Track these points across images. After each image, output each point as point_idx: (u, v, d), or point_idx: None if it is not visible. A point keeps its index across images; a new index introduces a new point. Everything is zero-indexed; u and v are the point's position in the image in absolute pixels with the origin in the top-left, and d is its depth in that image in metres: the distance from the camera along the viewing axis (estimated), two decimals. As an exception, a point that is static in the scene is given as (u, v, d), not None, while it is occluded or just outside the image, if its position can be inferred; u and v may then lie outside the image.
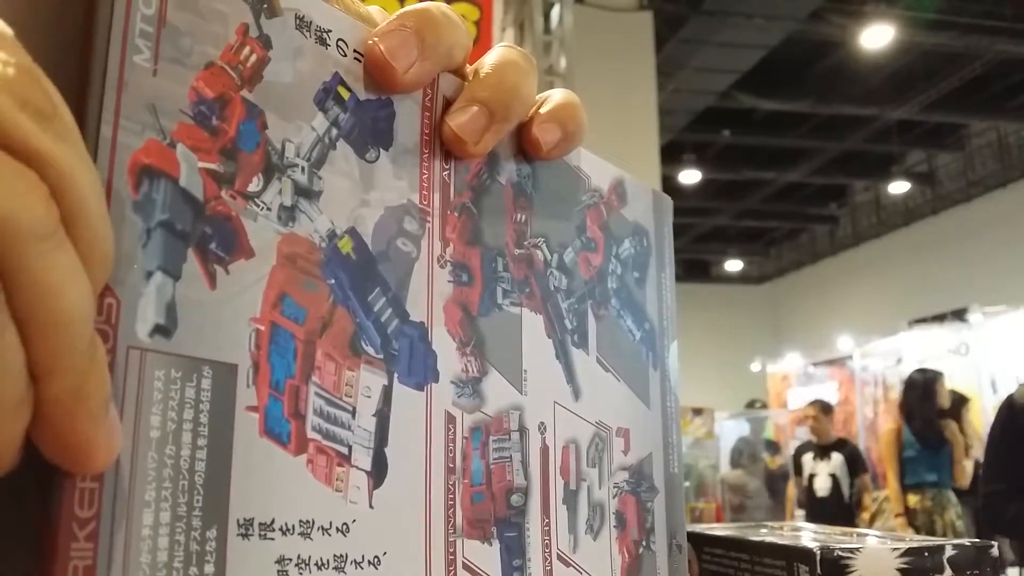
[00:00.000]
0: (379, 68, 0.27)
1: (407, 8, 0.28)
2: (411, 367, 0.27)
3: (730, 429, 5.79)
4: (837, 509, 4.19)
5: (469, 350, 0.29)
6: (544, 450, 0.32)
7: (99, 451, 0.17)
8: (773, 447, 5.82)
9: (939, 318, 7.02)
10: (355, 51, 0.27)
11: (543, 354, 0.32)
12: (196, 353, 0.21)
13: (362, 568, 0.24)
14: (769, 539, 0.43)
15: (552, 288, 0.33)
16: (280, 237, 0.24)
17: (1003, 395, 2.21)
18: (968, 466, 3.78)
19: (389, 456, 0.26)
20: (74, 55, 0.20)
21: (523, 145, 0.32)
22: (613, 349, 0.36)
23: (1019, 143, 9.04)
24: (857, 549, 0.38)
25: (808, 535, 0.46)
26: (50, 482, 0.18)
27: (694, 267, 12.94)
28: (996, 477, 2.05)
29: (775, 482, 5.37)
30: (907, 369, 5.13)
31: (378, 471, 0.25)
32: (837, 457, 4.34)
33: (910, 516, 3.71)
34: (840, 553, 0.38)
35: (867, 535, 0.45)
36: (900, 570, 0.38)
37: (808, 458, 4.46)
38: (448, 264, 0.29)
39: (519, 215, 0.32)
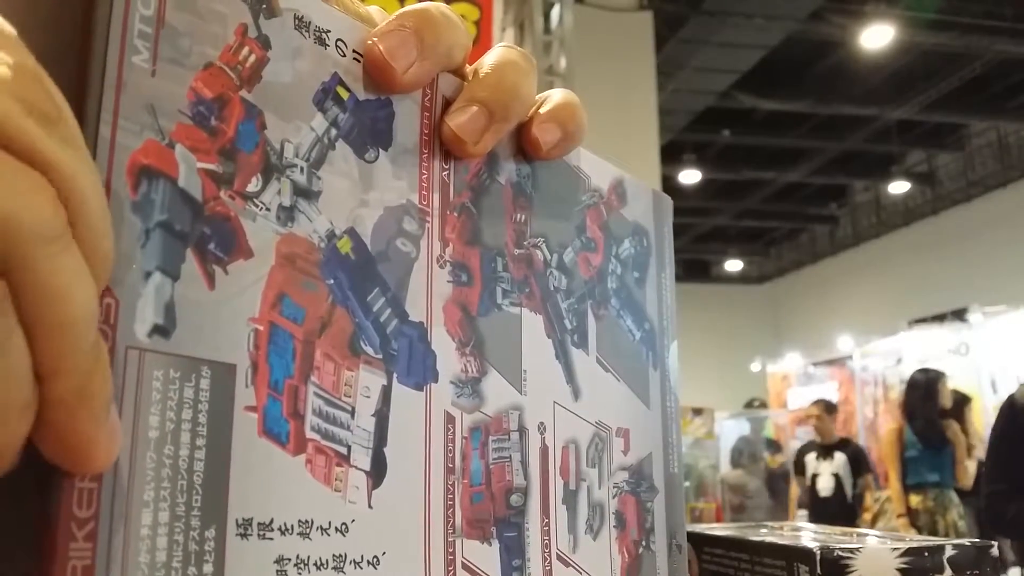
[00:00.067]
0: (378, 68, 0.27)
1: (406, 8, 0.28)
2: (410, 367, 0.27)
3: (730, 429, 5.78)
4: (840, 509, 4.20)
5: (468, 350, 0.29)
6: (544, 450, 0.32)
7: (100, 451, 0.17)
8: (774, 446, 5.82)
9: (939, 318, 7.02)
10: (354, 51, 0.27)
11: (543, 354, 0.32)
12: (195, 353, 0.21)
13: (361, 568, 0.24)
14: (769, 539, 0.43)
15: (552, 288, 0.33)
16: (279, 237, 0.24)
17: (1003, 395, 2.21)
18: (971, 466, 3.77)
19: (388, 456, 0.26)
20: (73, 55, 0.20)
21: (523, 145, 0.32)
22: (613, 349, 0.36)
23: (1019, 143, 9.04)
24: (857, 549, 0.38)
25: (808, 535, 0.46)
26: (49, 482, 0.18)
27: (694, 267, 12.94)
28: (997, 477, 2.05)
29: (775, 482, 5.37)
30: (907, 369, 5.13)
31: (377, 471, 0.25)
32: (840, 457, 4.34)
33: (912, 516, 3.71)
34: (840, 553, 0.38)
35: (867, 535, 0.45)
36: (900, 570, 0.38)
37: (811, 458, 4.47)
38: (447, 264, 0.29)
39: (519, 215, 0.32)
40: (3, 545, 0.19)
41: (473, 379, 0.29)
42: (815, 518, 4.24)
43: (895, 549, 0.39)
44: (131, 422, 0.19)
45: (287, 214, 0.24)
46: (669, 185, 8.74)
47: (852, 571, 0.38)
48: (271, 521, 0.22)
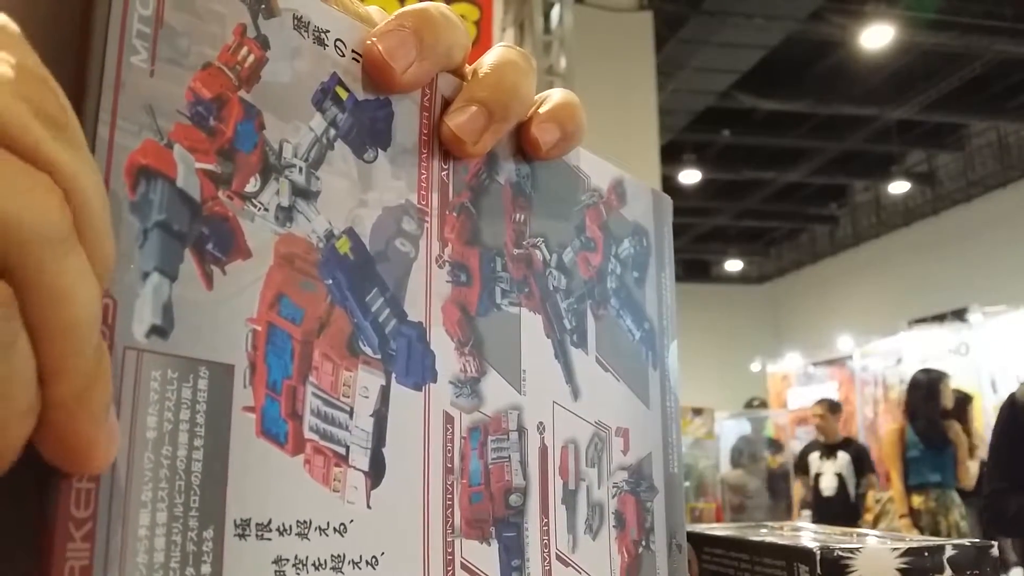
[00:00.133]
0: (377, 68, 0.27)
1: (406, 8, 0.28)
2: (409, 367, 0.27)
3: (730, 429, 5.78)
4: (843, 508, 4.20)
5: (468, 350, 0.29)
6: (543, 450, 0.32)
7: (99, 452, 0.17)
8: (775, 446, 5.82)
9: (939, 318, 7.02)
10: (353, 51, 0.27)
11: (542, 354, 0.32)
12: (193, 354, 0.21)
13: (360, 568, 0.24)
14: (769, 539, 0.43)
15: (551, 288, 0.33)
16: (277, 237, 0.24)
17: (1003, 395, 2.21)
18: (973, 467, 3.77)
19: (387, 456, 0.26)
20: (71, 54, 0.20)
21: (522, 145, 0.32)
22: (612, 349, 0.36)
23: (1019, 143, 9.04)
24: (857, 549, 0.38)
25: (808, 535, 0.46)
26: (48, 482, 0.18)
27: (694, 267, 12.94)
28: (998, 476, 2.05)
29: (775, 482, 5.37)
30: (907, 369, 5.13)
31: (376, 471, 0.25)
32: (843, 456, 4.34)
33: (914, 517, 3.71)
34: (840, 553, 0.38)
35: (867, 535, 0.45)
36: (900, 570, 0.38)
37: (815, 457, 4.47)
38: (446, 264, 0.29)
39: (518, 215, 0.32)
40: (3, 545, 0.19)
41: (472, 379, 0.29)
42: (818, 518, 4.23)
43: (895, 549, 0.39)
44: (129, 423, 0.19)
45: (286, 214, 0.24)
46: (669, 185, 8.74)
47: (852, 571, 0.38)
48: (269, 521, 0.22)
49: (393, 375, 0.26)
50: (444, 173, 0.29)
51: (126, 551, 0.19)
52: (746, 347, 11.29)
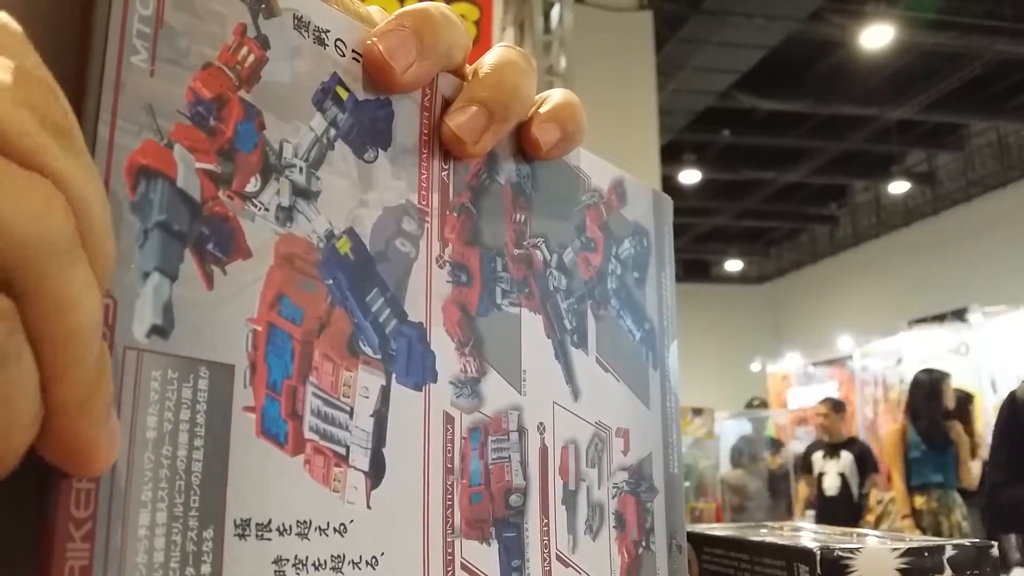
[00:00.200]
0: (378, 68, 0.27)
1: (406, 8, 0.28)
2: (409, 367, 0.27)
3: (730, 429, 5.78)
4: (846, 508, 4.19)
5: (468, 350, 0.29)
6: (543, 450, 0.32)
7: (100, 454, 0.17)
8: (776, 445, 5.81)
9: (939, 318, 7.02)
10: (354, 51, 0.27)
11: (542, 354, 0.32)
12: (193, 354, 0.21)
13: (359, 568, 0.24)
14: (769, 539, 0.43)
15: (551, 288, 0.33)
16: (278, 237, 0.24)
17: (1003, 395, 2.22)
18: (975, 467, 3.77)
19: (387, 456, 0.26)
20: (71, 54, 0.20)
21: (522, 145, 0.32)
22: (613, 349, 0.36)
23: (1019, 143, 9.04)
24: (857, 549, 0.38)
25: (808, 535, 0.46)
26: (48, 482, 0.18)
27: (694, 267, 12.93)
28: (999, 474, 2.05)
29: (776, 482, 5.36)
30: (907, 369, 5.13)
31: (376, 471, 0.25)
32: (847, 456, 4.34)
33: (916, 517, 3.71)
34: (840, 553, 0.38)
35: (867, 535, 0.45)
36: (900, 570, 0.38)
37: (818, 456, 4.46)
38: (447, 264, 0.29)
39: (518, 215, 0.32)
40: (3, 548, 0.19)
41: (472, 379, 0.29)
42: (821, 518, 4.23)
43: (895, 549, 0.39)
44: (129, 423, 0.19)
45: (286, 214, 0.24)
46: (669, 185, 8.74)
47: (852, 571, 0.38)
48: (269, 521, 0.22)
49: (393, 375, 0.26)
50: (444, 173, 0.29)
51: (126, 551, 0.19)
52: (746, 347, 11.29)
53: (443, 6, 0.29)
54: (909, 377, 4.10)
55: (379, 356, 0.26)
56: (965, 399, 4.28)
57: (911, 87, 7.80)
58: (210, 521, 0.21)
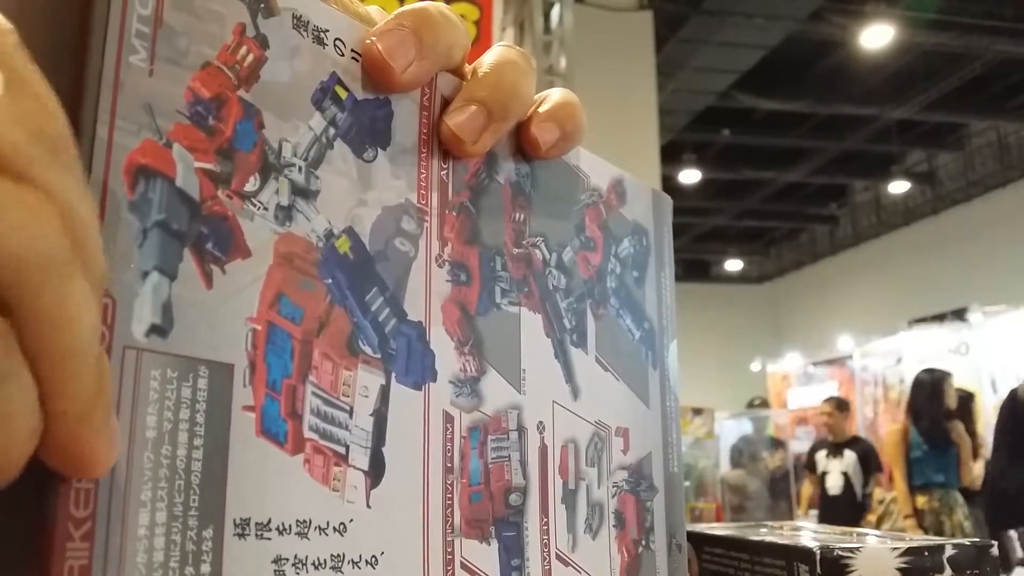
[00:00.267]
0: (377, 67, 0.27)
1: (405, 8, 0.28)
2: (409, 366, 0.27)
3: (730, 429, 5.78)
4: (849, 507, 4.18)
5: (467, 349, 0.29)
6: (543, 449, 0.32)
7: (100, 458, 0.17)
8: (776, 445, 5.81)
9: (939, 318, 7.03)
10: (353, 51, 0.27)
11: (542, 353, 0.32)
12: (192, 353, 0.21)
13: (359, 568, 0.24)
14: (769, 539, 0.43)
15: (551, 287, 0.33)
16: (277, 237, 0.24)
17: (1003, 395, 2.22)
18: (976, 467, 3.77)
19: (387, 456, 0.26)
20: (69, 53, 0.20)
21: (522, 144, 0.32)
22: (612, 348, 0.36)
23: (1019, 143, 9.04)
24: (857, 549, 0.38)
25: (808, 535, 0.46)
26: (47, 483, 0.18)
27: (694, 267, 12.93)
28: (1000, 472, 2.05)
29: (776, 482, 5.36)
30: (907, 369, 5.13)
31: (375, 471, 0.25)
32: (850, 455, 4.33)
33: (918, 517, 3.71)
34: (840, 553, 0.38)
35: (867, 535, 0.45)
36: (900, 570, 0.38)
37: (822, 455, 4.46)
38: (446, 263, 0.29)
39: (518, 214, 0.32)
40: (5, 553, 0.19)
41: (472, 378, 0.29)
42: (824, 517, 4.22)
43: (895, 549, 0.39)
44: (128, 422, 0.19)
45: (285, 213, 0.24)
46: (669, 185, 8.74)
47: (852, 571, 0.38)
48: (269, 521, 0.22)
49: (393, 374, 0.26)
50: (444, 172, 0.29)
51: (125, 551, 0.19)
52: (746, 347, 11.30)
53: (442, 6, 0.29)
54: (909, 377, 4.10)
55: (379, 355, 0.26)
56: (967, 399, 4.28)
57: (911, 87, 7.80)
58: (210, 520, 0.21)
